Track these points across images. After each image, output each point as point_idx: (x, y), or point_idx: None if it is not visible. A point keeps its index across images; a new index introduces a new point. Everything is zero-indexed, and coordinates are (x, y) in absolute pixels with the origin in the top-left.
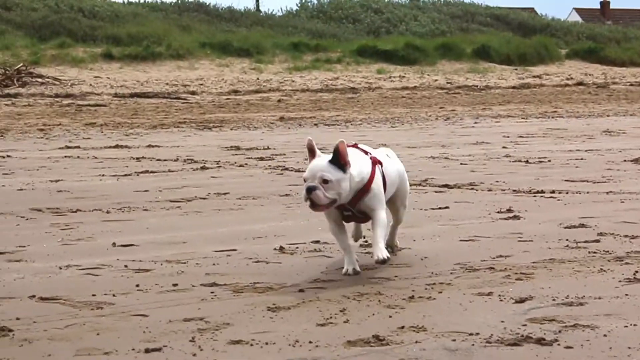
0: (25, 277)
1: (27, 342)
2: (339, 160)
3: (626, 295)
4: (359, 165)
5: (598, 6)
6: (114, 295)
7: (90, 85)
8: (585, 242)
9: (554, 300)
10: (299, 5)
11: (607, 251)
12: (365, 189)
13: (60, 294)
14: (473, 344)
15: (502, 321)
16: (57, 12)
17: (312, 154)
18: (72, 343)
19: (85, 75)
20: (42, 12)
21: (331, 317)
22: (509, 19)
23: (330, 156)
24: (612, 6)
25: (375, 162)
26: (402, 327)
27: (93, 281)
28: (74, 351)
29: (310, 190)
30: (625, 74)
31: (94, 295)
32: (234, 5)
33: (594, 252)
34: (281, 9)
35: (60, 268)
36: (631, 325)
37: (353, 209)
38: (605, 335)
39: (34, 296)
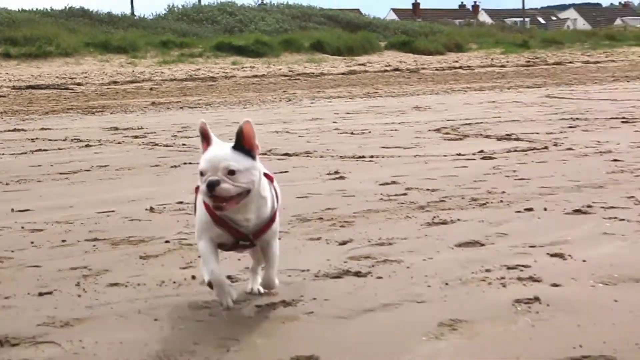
0: None
1: None
2: (245, 145)
3: (425, 235)
4: (265, 186)
5: (410, 7)
6: (12, 252)
7: None
8: (396, 195)
9: (369, 242)
10: (167, 10)
11: (413, 202)
12: (272, 216)
13: None
14: (304, 278)
15: (328, 259)
16: None
17: (206, 139)
18: None
19: None
20: None
21: (191, 262)
22: (339, 18)
23: (231, 143)
24: (421, 6)
25: (271, 179)
26: (247, 267)
27: None
28: None
29: (212, 185)
30: (432, 61)
31: None
32: (112, 11)
33: (402, 203)
34: (152, 13)
35: None
36: (428, 258)
37: (254, 240)
38: (408, 267)
39: None
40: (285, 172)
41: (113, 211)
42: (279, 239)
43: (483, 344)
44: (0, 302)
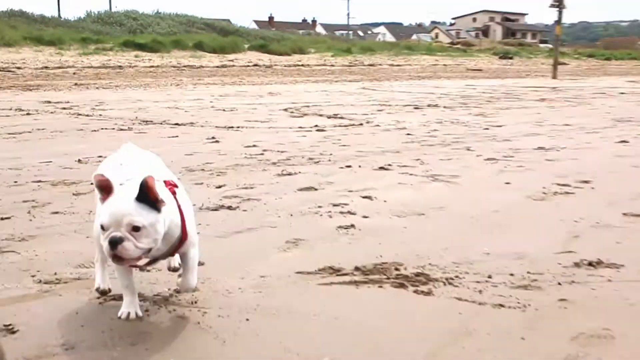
0: None
1: None
2: (149, 197)
3: (277, 182)
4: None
5: (267, 19)
6: None
7: None
8: (256, 154)
9: (237, 186)
10: (86, 14)
11: (267, 159)
12: (183, 236)
13: None
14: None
15: (209, 198)
16: None
17: (106, 191)
18: None
19: None
20: None
21: None
22: (214, 25)
23: (133, 192)
24: (275, 19)
25: (172, 190)
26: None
27: None
28: None
29: (114, 242)
30: (282, 60)
31: None
32: (44, 13)
33: (260, 160)
34: (74, 16)
35: None
36: (279, 198)
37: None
38: (265, 204)
39: None
40: (176, 136)
41: (51, 162)
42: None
43: (316, 254)
44: None
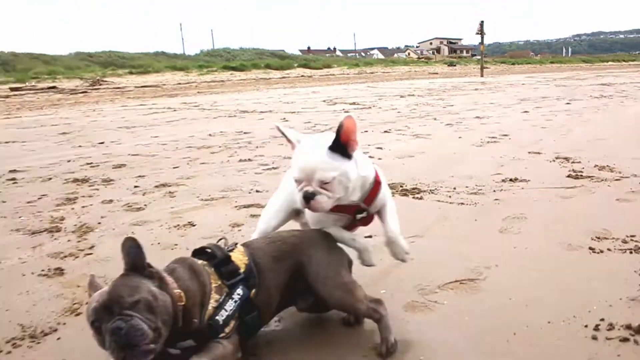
0: None
1: None
2: (343, 143)
3: None
4: (356, 157)
5: (306, 48)
6: None
7: None
8: (311, 126)
9: None
10: (200, 51)
11: (317, 129)
12: (376, 183)
13: None
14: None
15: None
16: None
17: (288, 140)
18: None
19: None
20: None
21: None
22: (275, 53)
23: (329, 139)
24: (312, 48)
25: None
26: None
27: None
28: None
29: (308, 198)
30: (318, 72)
31: None
32: (176, 52)
33: (313, 129)
34: (193, 52)
35: None
36: None
37: (368, 208)
38: None
39: None
40: (262, 119)
41: (194, 135)
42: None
43: None
44: None
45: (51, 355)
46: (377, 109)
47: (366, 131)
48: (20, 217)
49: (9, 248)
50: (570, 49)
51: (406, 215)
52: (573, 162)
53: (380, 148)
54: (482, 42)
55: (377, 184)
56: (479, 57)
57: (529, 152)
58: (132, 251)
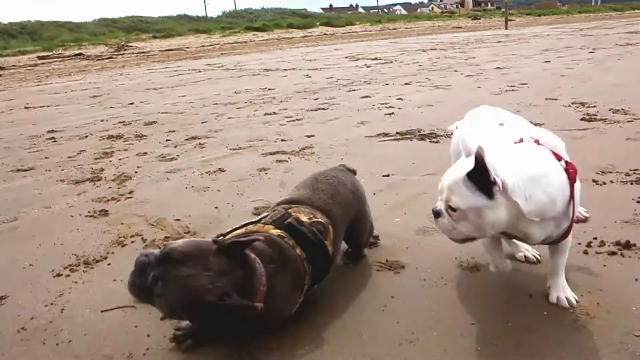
0: None
1: None
2: (483, 177)
3: (347, 95)
4: (548, 187)
5: (328, 6)
6: None
7: None
8: (334, 82)
9: (325, 98)
10: (222, 13)
11: (341, 84)
12: (567, 230)
13: None
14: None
15: (311, 105)
16: None
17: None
18: None
19: None
20: None
21: None
22: (297, 12)
23: (469, 165)
24: (334, 6)
25: (573, 175)
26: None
27: None
28: None
29: (436, 214)
30: (340, 30)
31: None
32: (198, 14)
33: (336, 84)
34: (215, 14)
35: None
36: (350, 102)
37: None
38: (343, 106)
39: None
40: (286, 76)
41: (220, 94)
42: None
43: (374, 128)
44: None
45: (103, 277)
46: (398, 63)
47: (387, 84)
48: (62, 169)
49: (57, 195)
50: None
51: (423, 156)
52: (588, 107)
53: (401, 99)
54: None
55: (564, 235)
56: (504, 10)
57: (546, 99)
58: None
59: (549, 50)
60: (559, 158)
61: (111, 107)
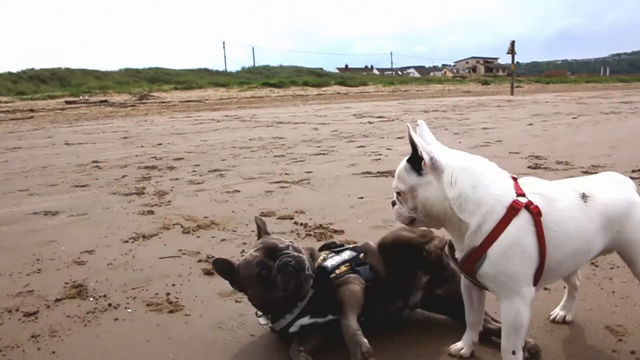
0: None
1: None
2: (418, 159)
3: (346, 144)
4: (478, 185)
5: (344, 66)
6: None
7: None
8: (337, 134)
9: (327, 146)
10: (241, 68)
11: (343, 136)
12: (480, 245)
13: None
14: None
15: (314, 151)
16: None
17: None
18: None
19: None
20: None
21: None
22: (313, 71)
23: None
24: (349, 67)
25: (518, 206)
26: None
27: None
28: None
29: (392, 204)
30: (353, 90)
31: None
32: (218, 69)
33: (339, 136)
34: (234, 69)
35: None
36: (347, 150)
37: (469, 278)
38: (340, 152)
39: None
40: (296, 128)
41: (236, 140)
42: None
43: (361, 168)
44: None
45: (156, 244)
46: (398, 121)
47: (382, 137)
48: (112, 187)
49: (112, 202)
50: (608, 69)
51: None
52: (540, 159)
53: (390, 149)
54: (513, 62)
55: (479, 249)
56: (515, 77)
57: (510, 152)
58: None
59: (538, 115)
60: (520, 192)
61: (142, 146)
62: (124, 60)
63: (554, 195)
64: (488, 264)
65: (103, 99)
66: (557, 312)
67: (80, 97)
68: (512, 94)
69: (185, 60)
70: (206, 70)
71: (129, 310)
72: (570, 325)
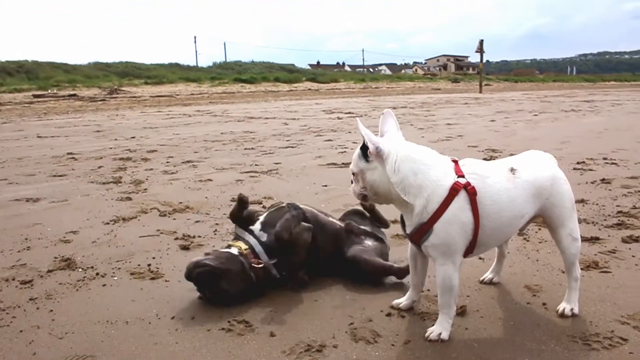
0: None
1: None
2: (365, 144)
3: (314, 138)
4: (419, 172)
5: (316, 63)
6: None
7: None
8: (307, 129)
9: (296, 140)
10: (212, 63)
11: (312, 130)
12: (427, 222)
13: None
14: None
15: (284, 145)
16: None
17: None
18: None
19: None
20: None
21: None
22: (285, 67)
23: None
24: (321, 63)
25: (458, 186)
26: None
27: None
28: None
29: (351, 183)
30: (324, 86)
31: None
32: (190, 64)
33: (308, 131)
34: (206, 64)
35: None
36: (314, 143)
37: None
38: (307, 145)
39: None
40: (266, 123)
41: (208, 134)
42: (452, 262)
43: (327, 160)
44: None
45: (135, 225)
46: (367, 117)
47: (350, 132)
48: (89, 176)
49: (91, 190)
50: (575, 68)
51: None
52: (495, 152)
53: (355, 142)
54: (481, 60)
55: (426, 224)
56: (484, 75)
57: (468, 146)
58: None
59: (502, 112)
60: (460, 174)
61: (115, 139)
62: (93, 54)
63: (487, 173)
64: (433, 237)
65: (72, 93)
66: (487, 275)
67: (49, 91)
68: (480, 91)
69: (156, 54)
70: (177, 65)
71: (115, 278)
72: (497, 286)
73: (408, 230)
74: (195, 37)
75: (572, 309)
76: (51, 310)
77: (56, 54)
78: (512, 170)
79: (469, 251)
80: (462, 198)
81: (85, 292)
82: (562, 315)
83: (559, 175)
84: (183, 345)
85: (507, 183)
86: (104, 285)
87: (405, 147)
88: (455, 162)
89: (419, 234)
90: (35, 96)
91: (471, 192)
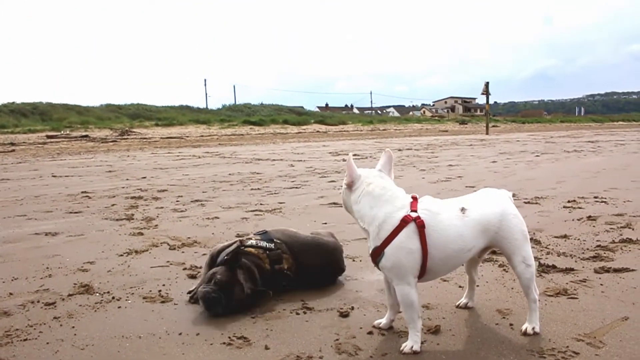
0: None
1: None
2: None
3: (319, 179)
4: (375, 206)
5: (324, 105)
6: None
7: None
8: (312, 170)
9: (301, 181)
10: (222, 106)
11: (316, 172)
12: (379, 246)
13: None
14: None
15: (289, 185)
16: None
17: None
18: None
19: None
20: None
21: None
22: (294, 110)
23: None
24: (329, 105)
25: (408, 219)
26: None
27: None
28: None
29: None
30: (333, 129)
31: None
32: (200, 106)
33: (313, 172)
34: (215, 107)
35: None
36: (318, 184)
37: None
38: (312, 185)
39: None
40: (273, 165)
41: (216, 175)
42: (408, 284)
43: (329, 199)
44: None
45: (147, 257)
46: (371, 159)
47: None
48: (103, 214)
49: (105, 225)
50: (583, 109)
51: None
52: None
53: None
54: (487, 102)
55: (380, 246)
56: (491, 116)
57: (466, 187)
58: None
59: (504, 153)
60: (414, 209)
61: (127, 179)
62: (105, 96)
63: (439, 210)
64: (385, 259)
65: (84, 134)
66: (462, 300)
67: (62, 132)
68: (487, 133)
69: (167, 96)
70: (187, 107)
71: (129, 302)
72: (471, 310)
73: (369, 252)
74: (205, 80)
75: (533, 328)
76: (73, 327)
77: (69, 95)
78: (463, 209)
79: (421, 275)
80: (411, 229)
81: (102, 312)
82: (525, 333)
83: (508, 210)
84: (189, 356)
85: (456, 220)
86: (119, 307)
87: (373, 184)
88: (415, 198)
89: (374, 255)
90: (48, 137)
91: (419, 225)
